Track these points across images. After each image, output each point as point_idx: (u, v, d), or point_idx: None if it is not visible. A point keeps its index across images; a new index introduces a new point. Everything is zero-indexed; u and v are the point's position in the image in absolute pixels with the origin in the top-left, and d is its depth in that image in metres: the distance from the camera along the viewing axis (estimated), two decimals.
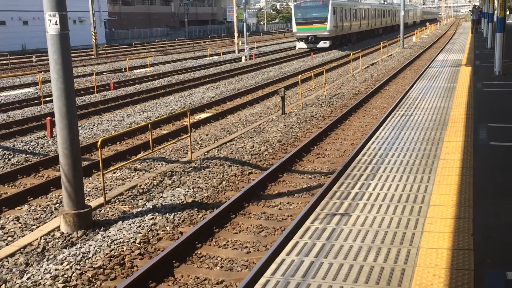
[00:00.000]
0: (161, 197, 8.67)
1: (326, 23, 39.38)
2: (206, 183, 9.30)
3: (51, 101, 7.73)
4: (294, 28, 41.58)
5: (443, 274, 4.30)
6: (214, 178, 9.58)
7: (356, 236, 5.15)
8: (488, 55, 22.77)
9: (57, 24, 7.14)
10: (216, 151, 11.45)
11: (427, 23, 72.85)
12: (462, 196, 6.05)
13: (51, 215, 8.17)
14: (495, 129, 9.37)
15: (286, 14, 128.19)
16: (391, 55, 35.29)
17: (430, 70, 20.34)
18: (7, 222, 7.92)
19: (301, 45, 41.78)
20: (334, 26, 40.22)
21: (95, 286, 5.99)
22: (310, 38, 40.40)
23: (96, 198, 8.80)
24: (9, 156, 11.64)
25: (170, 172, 9.94)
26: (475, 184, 6.43)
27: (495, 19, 20.53)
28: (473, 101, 12.38)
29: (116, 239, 7.00)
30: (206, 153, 11.29)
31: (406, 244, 4.90)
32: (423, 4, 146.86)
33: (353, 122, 14.51)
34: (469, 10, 77.71)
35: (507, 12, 59.98)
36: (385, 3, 75.17)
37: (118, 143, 13.03)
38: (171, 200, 8.46)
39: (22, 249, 6.91)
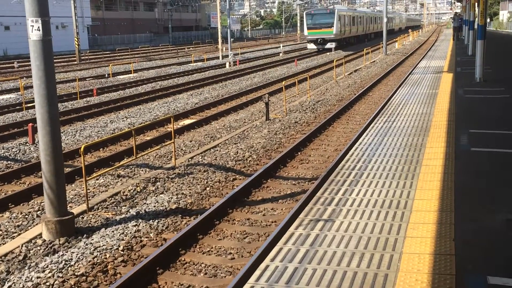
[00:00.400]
0: (145, 203, 8.63)
1: (332, 28, 46.72)
2: (190, 190, 9.28)
3: (33, 107, 7.67)
4: (306, 32, 48.47)
5: (425, 279, 4.34)
6: (198, 184, 9.57)
7: (339, 241, 5.17)
8: (469, 62, 23.08)
9: (39, 30, 7.10)
10: (200, 157, 11.43)
11: (409, 30, 74.67)
12: (444, 202, 6.11)
13: (33, 223, 8.08)
14: (476, 135, 9.49)
15: (270, 21, 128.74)
16: (374, 61, 35.59)
17: (412, 76, 20.54)
18: None
19: (312, 46, 48.56)
20: (339, 30, 47.68)
21: None
22: (319, 40, 47.60)
23: (79, 205, 8.73)
24: None
25: (153, 179, 9.91)
26: (457, 190, 6.51)
27: (476, 27, 20.83)
28: (454, 107, 12.53)
29: (99, 246, 6.94)
30: (190, 159, 11.27)
31: (389, 250, 4.94)
32: (405, 11, 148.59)
33: (337, 128, 14.60)
34: (451, 18, 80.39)
35: (488, 20, 61.40)
36: (375, 10, 78.01)
37: (101, 149, 12.95)
38: (154, 206, 8.42)
39: (3, 257, 6.82)
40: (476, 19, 20.97)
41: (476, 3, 21.24)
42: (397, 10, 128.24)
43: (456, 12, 57.13)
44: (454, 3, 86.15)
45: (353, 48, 49.08)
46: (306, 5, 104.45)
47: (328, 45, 47.14)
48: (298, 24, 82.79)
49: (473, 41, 25.64)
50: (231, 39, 42.72)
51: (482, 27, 17.17)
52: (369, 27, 62.67)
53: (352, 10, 57.53)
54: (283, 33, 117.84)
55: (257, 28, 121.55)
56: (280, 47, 55.17)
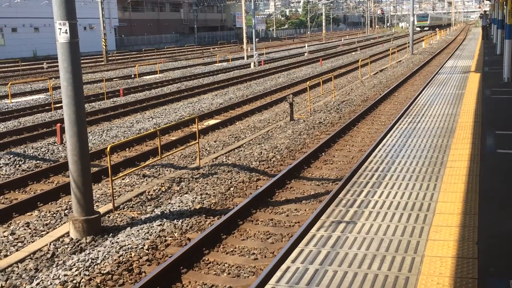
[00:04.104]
0: (169, 203, 8.75)
1: (427, 21, 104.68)
2: (214, 190, 9.37)
3: (62, 107, 7.84)
4: (415, 22, 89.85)
5: (447, 283, 4.33)
6: (222, 185, 9.65)
7: (361, 244, 5.18)
8: (497, 61, 22.73)
9: (67, 33, 7.26)
10: (224, 157, 11.52)
11: (437, 29, 78.99)
12: (468, 204, 6.07)
13: (60, 221, 8.27)
14: (502, 137, 9.37)
15: (295, 20, 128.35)
16: (400, 61, 35.28)
17: (439, 76, 20.32)
18: (17, 228, 8.03)
19: (418, 28, 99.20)
20: (430, 22, 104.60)
21: None
22: (421, 26, 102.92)
23: (105, 204, 8.90)
24: (20, 162, 11.78)
25: (178, 179, 10.03)
26: (481, 192, 6.45)
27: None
28: (481, 108, 12.37)
29: (125, 245, 7.07)
30: (214, 160, 11.37)
31: (410, 252, 4.93)
32: (433, 10, 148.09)
33: (362, 128, 14.55)
34: (479, 16, 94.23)
35: None
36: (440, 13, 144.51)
37: (127, 149, 13.15)
38: (179, 206, 8.53)
39: (31, 255, 7.01)
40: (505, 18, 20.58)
41: (504, 2, 20.87)
42: (424, 9, 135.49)
43: (485, 10, 56.31)
44: (483, 1, 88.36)
45: (433, 29, 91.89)
46: (332, 4, 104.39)
47: (425, 29, 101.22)
48: (324, 24, 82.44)
49: (502, 41, 25.22)
50: (256, 39, 42.82)
51: (510, 27, 16.89)
52: (440, 22, 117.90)
53: (434, 13, 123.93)
54: (308, 32, 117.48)
55: (282, 28, 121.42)
56: (305, 47, 55.13)
